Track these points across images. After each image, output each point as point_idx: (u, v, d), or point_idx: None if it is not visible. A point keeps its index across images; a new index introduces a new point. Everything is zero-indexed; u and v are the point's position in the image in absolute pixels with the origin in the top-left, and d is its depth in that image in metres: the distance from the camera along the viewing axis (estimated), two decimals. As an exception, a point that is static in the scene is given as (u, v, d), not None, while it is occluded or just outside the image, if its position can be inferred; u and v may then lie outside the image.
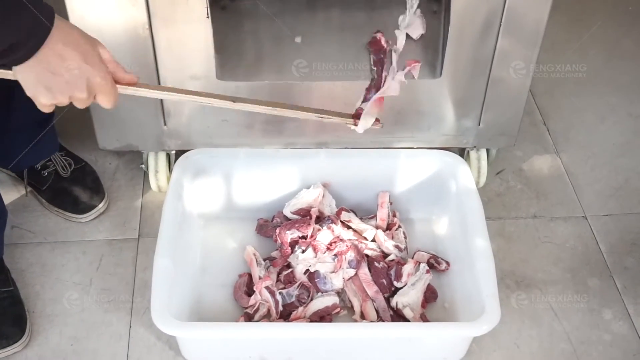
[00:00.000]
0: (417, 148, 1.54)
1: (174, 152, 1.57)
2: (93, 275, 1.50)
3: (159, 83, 1.40)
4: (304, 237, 1.47)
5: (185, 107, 1.45)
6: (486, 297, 1.28)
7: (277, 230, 1.49)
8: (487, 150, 1.61)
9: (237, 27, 1.35)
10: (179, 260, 1.37)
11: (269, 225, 1.54)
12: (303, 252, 1.45)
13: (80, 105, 1.02)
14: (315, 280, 1.41)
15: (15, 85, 0.99)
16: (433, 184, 1.54)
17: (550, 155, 1.79)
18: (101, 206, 1.60)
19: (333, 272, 1.43)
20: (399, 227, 1.54)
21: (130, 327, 1.42)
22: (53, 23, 0.93)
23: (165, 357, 1.37)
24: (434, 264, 1.49)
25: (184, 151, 1.52)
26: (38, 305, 1.45)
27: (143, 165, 1.62)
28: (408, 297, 1.41)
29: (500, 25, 1.35)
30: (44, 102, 1.00)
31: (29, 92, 0.99)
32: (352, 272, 1.43)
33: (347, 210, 1.54)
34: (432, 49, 1.39)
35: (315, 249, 1.44)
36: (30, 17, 0.90)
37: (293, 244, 1.48)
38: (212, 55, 1.32)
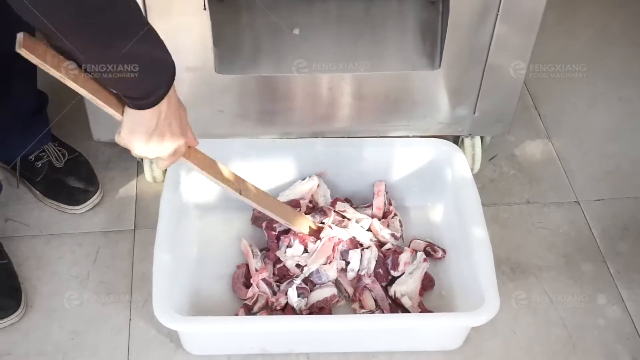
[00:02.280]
0: (413, 136, 1.55)
1: (169, 143, 1.56)
2: (90, 268, 1.49)
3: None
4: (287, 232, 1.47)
5: (181, 99, 1.44)
6: (485, 286, 1.29)
7: (264, 224, 1.49)
8: (481, 138, 1.61)
9: (234, 19, 1.34)
10: (178, 253, 1.37)
11: (263, 217, 1.54)
12: (289, 246, 1.45)
13: (160, 166, 1.14)
14: (310, 278, 1.42)
15: (10, 75, 0.99)
16: (429, 172, 1.55)
17: (542, 141, 1.80)
18: (96, 197, 1.59)
19: (326, 263, 1.43)
20: (395, 215, 1.54)
21: (130, 320, 1.42)
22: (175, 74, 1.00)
23: (166, 349, 1.38)
24: (431, 252, 1.50)
25: (179, 142, 1.51)
26: (36, 299, 1.44)
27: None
28: (406, 285, 1.42)
29: (497, 12, 1.35)
30: (137, 152, 1.08)
31: (125, 138, 1.06)
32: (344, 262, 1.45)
33: (341, 200, 1.54)
34: (430, 40, 1.39)
35: (302, 242, 1.45)
36: (168, 68, 0.99)
37: (280, 237, 1.48)
38: (210, 48, 1.32)
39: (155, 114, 1.02)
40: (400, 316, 1.35)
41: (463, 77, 1.44)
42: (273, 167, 1.54)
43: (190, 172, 1.48)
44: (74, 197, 1.58)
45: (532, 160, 1.76)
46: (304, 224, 1.46)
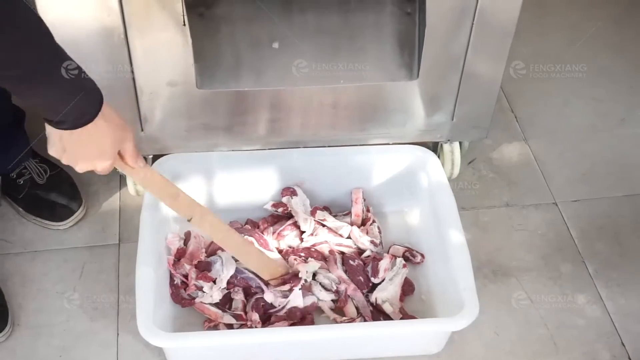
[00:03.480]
0: (393, 144, 1.57)
1: (151, 156, 1.57)
2: (76, 284, 1.50)
3: (135, 90, 1.40)
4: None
5: (162, 113, 1.45)
6: (464, 290, 1.32)
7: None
8: (460, 143, 1.64)
9: (214, 34, 1.35)
10: (161, 268, 1.39)
11: (241, 229, 1.55)
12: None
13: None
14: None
15: None
16: (405, 178, 1.57)
17: (519, 143, 1.83)
18: (79, 212, 1.60)
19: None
20: (374, 221, 1.57)
21: (117, 334, 1.43)
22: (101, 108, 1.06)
23: (153, 362, 1.39)
24: (409, 257, 1.52)
25: (161, 155, 1.52)
26: (22, 317, 1.44)
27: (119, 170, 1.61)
28: (387, 292, 1.44)
29: (473, 22, 1.37)
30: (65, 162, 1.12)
31: (52, 151, 1.11)
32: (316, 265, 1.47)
33: (320, 209, 1.56)
34: (407, 50, 1.41)
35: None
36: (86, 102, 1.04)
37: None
38: (191, 64, 1.33)
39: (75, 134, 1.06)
40: (380, 324, 1.36)
41: (441, 85, 1.47)
42: (252, 178, 1.55)
43: None
44: (57, 214, 1.58)
45: (510, 162, 1.78)
46: (268, 266, 1.44)
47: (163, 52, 1.34)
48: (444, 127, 1.56)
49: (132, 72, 1.37)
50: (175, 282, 1.45)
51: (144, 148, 1.52)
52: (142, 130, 1.48)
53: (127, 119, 1.43)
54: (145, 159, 1.57)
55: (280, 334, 1.32)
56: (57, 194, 1.60)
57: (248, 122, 1.48)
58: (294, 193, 1.57)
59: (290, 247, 1.53)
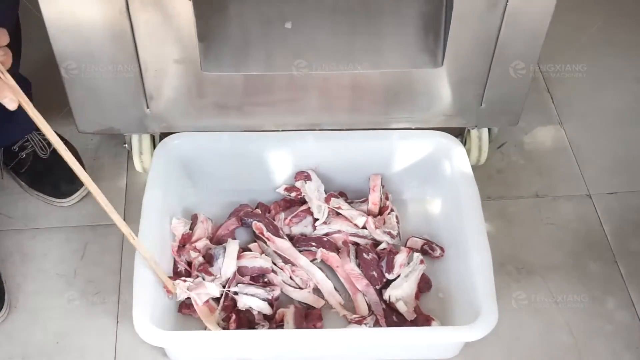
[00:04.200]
0: (415, 128, 1.46)
1: (158, 134, 1.49)
2: (77, 265, 1.44)
3: (140, 66, 1.31)
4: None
5: (168, 91, 1.36)
6: (482, 297, 1.24)
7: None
8: (489, 128, 1.53)
9: (221, 11, 1.25)
10: (161, 259, 1.32)
11: (251, 213, 1.47)
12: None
13: None
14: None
15: None
16: (427, 166, 1.48)
17: (554, 127, 1.71)
18: (84, 189, 1.53)
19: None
20: (392, 210, 1.48)
21: (117, 322, 1.37)
22: None
23: (153, 356, 1.33)
24: (428, 250, 1.44)
25: (169, 133, 1.44)
26: (20, 298, 1.39)
27: (126, 145, 1.53)
28: (401, 289, 1.36)
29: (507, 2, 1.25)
30: None
31: None
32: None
33: (335, 196, 1.47)
34: (432, 36, 1.30)
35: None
36: None
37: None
38: (195, 43, 1.23)
39: None
40: (392, 330, 1.27)
41: (468, 70, 1.35)
42: (265, 160, 1.47)
43: (174, 169, 1.43)
44: (61, 190, 1.51)
45: (543, 148, 1.67)
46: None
47: (167, 28, 1.24)
48: (471, 113, 1.45)
49: (136, 47, 1.27)
50: (178, 270, 1.38)
51: (151, 126, 1.44)
52: (147, 107, 1.40)
53: (132, 97, 1.38)
54: (153, 137, 1.50)
55: (283, 337, 1.24)
56: (61, 169, 1.52)
57: (260, 103, 1.38)
58: (308, 177, 1.48)
59: (302, 235, 1.45)
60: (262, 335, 1.23)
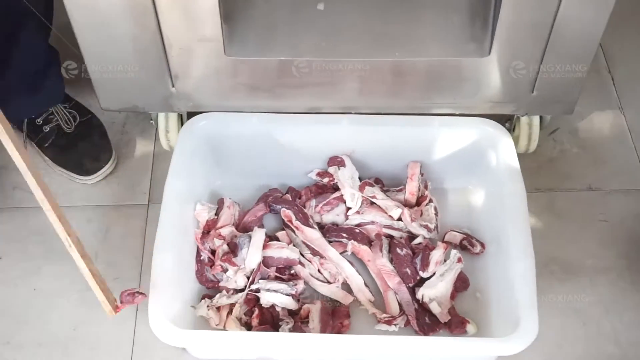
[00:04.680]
0: (459, 115, 1.35)
1: (185, 113, 1.41)
2: (98, 248, 1.39)
3: (163, 44, 1.22)
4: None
5: (194, 69, 1.28)
6: (522, 307, 1.15)
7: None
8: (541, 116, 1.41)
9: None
10: (183, 253, 1.27)
11: (280, 200, 1.39)
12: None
13: None
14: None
15: (18, 25, 0.87)
16: (470, 155, 1.38)
17: (613, 112, 1.57)
18: (108, 167, 1.46)
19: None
20: (430, 201, 1.38)
21: (136, 310, 1.31)
22: None
23: (172, 349, 1.26)
24: (468, 245, 1.35)
25: (196, 113, 1.36)
26: (39, 281, 1.35)
27: (153, 122, 1.46)
28: (436, 289, 1.28)
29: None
30: None
31: None
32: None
33: (370, 184, 1.38)
34: (479, 22, 1.17)
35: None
36: None
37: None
38: (219, 24, 1.13)
39: None
40: (422, 340, 1.19)
41: (519, 56, 1.23)
42: (296, 143, 1.38)
43: (199, 152, 1.35)
44: (84, 167, 1.45)
45: (600, 136, 1.54)
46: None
47: (190, 4, 1.15)
48: (521, 100, 1.33)
49: (159, 25, 1.19)
50: (201, 258, 1.31)
51: (177, 105, 1.36)
52: (172, 86, 1.31)
53: (156, 75, 1.30)
54: (181, 116, 1.42)
55: (304, 341, 1.17)
56: (86, 144, 1.47)
57: (291, 85, 1.29)
58: (341, 163, 1.39)
59: (333, 225, 1.37)
60: (282, 338, 1.16)
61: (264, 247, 1.30)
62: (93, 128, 1.49)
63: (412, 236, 1.36)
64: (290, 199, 1.40)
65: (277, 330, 1.24)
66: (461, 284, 1.31)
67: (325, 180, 1.40)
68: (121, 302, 1.17)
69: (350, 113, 1.35)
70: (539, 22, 1.16)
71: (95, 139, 1.47)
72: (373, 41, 1.16)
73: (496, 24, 1.13)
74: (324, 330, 1.23)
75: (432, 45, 1.18)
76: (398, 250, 1.31)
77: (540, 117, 1.41)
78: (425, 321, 1.26)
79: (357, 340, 1.15)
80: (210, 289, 1.30)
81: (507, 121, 1.41)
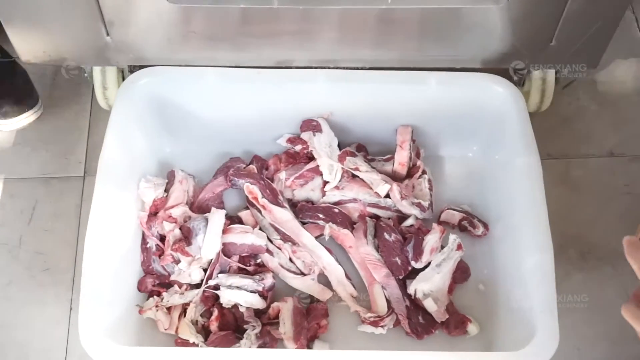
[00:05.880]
0: (460, 69, 1.14)
1: (126, 67, 1.17)
2: (23, 232, 1.18)
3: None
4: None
5: (134, 15, 1.04)
6: (539, 312, 1.00)
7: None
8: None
9: None
10: (120, 246, 1.06)
11: (243, 172, 1.18)
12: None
13: None
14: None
15: None
16: (472, 117, 1.21)
17: (637, 61, 1.38)
18: (31, 113, 1.25)
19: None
20: (424, 173, 1.20)
21: (70, 308, 1.11)
22: None
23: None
24: (468, 226, 1.21)
25: (140, 67, 1.12)
26: None
27: (87, 76, 1.21)
28: (431, 283, 1.12)
29: None
30: None
31: None
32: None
33: (353, 154, 1.17)
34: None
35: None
36: None
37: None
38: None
39: None
40: (414, 356, 0.99)
41: (539, 3, 1.00)
42: (262, 104, 1.18)
43: (143, 115, 1.14)
44: (3, 109, 1.22)
45: (622, 90, 1.36)
46: None
47: None
48: (537, 51, 1.14)
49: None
50: (148, 246, 1.09)
51: (114, 57, 1.14)
52: (107, 34, 1.08)
53: (84, 21, 1.05)
54: (122, 71, 1.18)
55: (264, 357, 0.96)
56: (6, 86, 1.23)
57: (255, 34, 1.06)
58: (317, 128, 1.18)
59: (307, 202, 1.17)
60: (245, 355, 0.95)
61: (224, 231, 1.12)
62: (16, 73, 1.25)
63: (402, 217, 1.20)
64: (256, 170, 1.20)
65: (241, 335, 1.05)
66: (461, 274, 1.16)
67: (298, 147, 1.21)
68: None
69: (328, 67, 1.17)
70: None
71: (18, 82, 1.24)
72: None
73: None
74: (297, 334, 1.05)
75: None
76: (386, 235, 1.13)
77: (556, 71, 1.18)
78: (418, 321, 1.10)
79: (337, 357, 0.94)
80: (157, 286, 1.09)
81: (515, 75, 1.19)
